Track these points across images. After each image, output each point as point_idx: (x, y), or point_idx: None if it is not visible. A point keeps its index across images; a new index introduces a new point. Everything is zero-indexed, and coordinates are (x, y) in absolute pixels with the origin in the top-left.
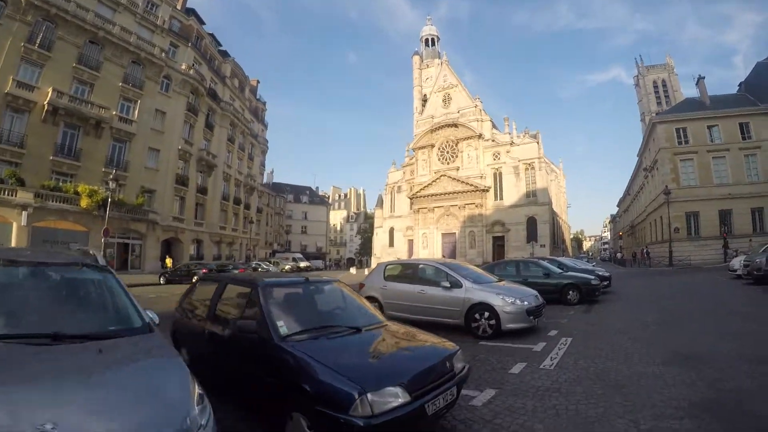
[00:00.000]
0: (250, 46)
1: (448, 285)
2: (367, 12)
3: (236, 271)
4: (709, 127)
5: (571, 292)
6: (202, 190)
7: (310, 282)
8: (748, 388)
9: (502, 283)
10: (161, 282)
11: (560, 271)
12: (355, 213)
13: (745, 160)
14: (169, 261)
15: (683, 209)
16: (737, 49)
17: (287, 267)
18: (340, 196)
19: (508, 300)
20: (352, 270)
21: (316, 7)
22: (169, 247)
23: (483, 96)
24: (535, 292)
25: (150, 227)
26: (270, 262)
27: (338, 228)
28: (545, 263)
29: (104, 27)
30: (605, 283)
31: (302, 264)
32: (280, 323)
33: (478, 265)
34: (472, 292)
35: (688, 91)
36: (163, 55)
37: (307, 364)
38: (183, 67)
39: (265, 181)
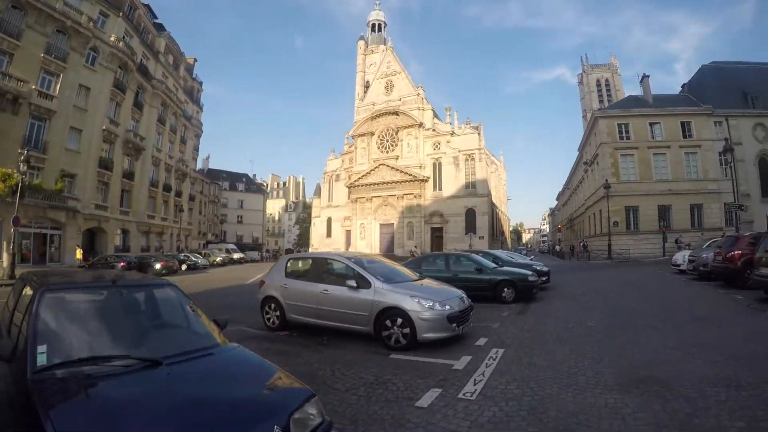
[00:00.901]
0: (192, 24)
1: (355, 284)
2: None
3: (158, 265)
4: (651, 124)
5: (506, 289)
6: (129, 175)
7: (121, 286)
8: (732, 428)
9: (422, 282)
10: None
11: (494, 265)
12: (293, 202)
13: (685, 158)
14: (79, 253)
15: (623, 203)
16: (679, 57)
17: (219, 259)
18: (278, 184)
19: (425, 304)
20: None
21: None
22: (92, 237)
23: (427, 86)
24: (460, 293)
25: (70, 216)
26: (201, 254)
27: (276, 217)
28: (477, 257)
29: None
30: (544, 278)
31: (236, 255)
32: (41, 348)
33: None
34: (382, 294)
35: (630, 92)
36: (91, 24)
37: (37, 423)
38: (112, 38)
39: (199, 166)
